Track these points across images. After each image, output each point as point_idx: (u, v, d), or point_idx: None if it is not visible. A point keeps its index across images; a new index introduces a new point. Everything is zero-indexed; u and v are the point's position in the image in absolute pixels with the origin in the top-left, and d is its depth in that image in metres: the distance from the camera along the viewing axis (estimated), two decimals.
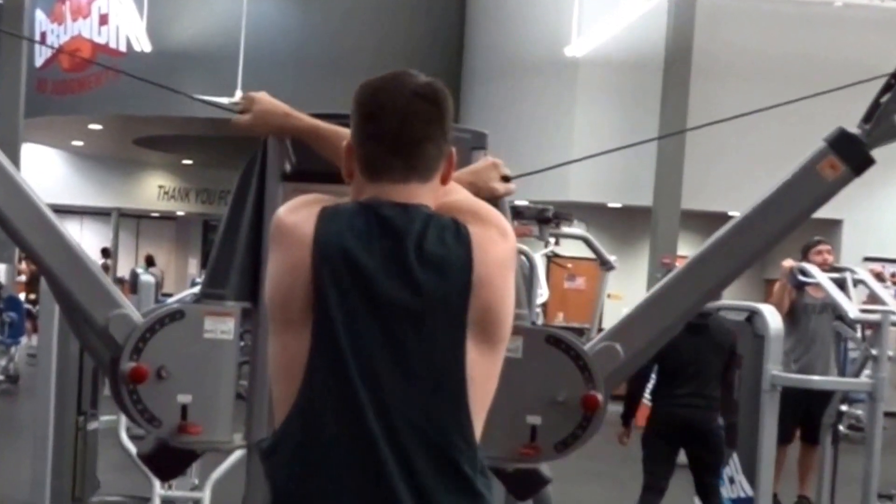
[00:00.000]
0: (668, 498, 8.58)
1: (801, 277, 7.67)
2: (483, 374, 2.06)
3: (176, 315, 3.05)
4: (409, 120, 2.08)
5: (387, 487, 1.98)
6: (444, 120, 2.12)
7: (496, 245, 2.07)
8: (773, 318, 6.69)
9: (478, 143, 3.23)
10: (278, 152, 3.10)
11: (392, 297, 2.01)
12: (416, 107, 2.09)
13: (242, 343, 3.47)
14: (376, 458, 1.98)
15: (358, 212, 2.07)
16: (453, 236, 2.05)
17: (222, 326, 3.11)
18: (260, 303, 3.09)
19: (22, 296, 16.44)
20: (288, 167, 3.06)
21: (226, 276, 3.13)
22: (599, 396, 3.01)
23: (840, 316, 7.17)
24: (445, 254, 2.02)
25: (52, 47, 19.88)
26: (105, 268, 20.04)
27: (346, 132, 2.24)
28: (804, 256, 8.12)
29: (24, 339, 14.57)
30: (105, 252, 23.64)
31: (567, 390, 3.01)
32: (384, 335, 2.01)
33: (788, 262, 7.87)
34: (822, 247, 8.20)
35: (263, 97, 2.89)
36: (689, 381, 6.46)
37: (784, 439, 7.36)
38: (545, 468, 3.21)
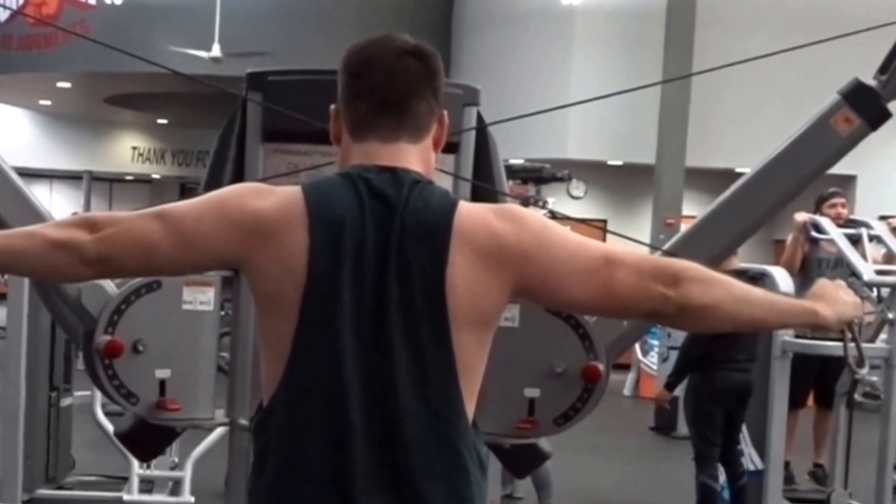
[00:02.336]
0: (671, 470, 8.66)
1: (814, 233, 7.67)
2: (474, 356, 2.06)
3: (153, 285, 3.04)
4: (397, 76, 2.09)
5: (361, 477, 1.99)
6: (433, 78, 2.13)
7: (485, 223, 2.04)
8: (783, 280, 6.70)
9: (470, 98, 3.22)
10: (260, 112, 3.08)
11: (379, 270, 2.01)
12: (404, 64, 2.10)
13: (223, 313, 3.47)
14: (355, 444, 1.99)
15: (344, 181, 2.06)
16: (438, 204, 2.04)
17: (202, 297, 3.11)
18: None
19: None
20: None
21: None
22: (601, 367, 3.02)
23: (855, 273, 7.17)
24: (425, 221, 2.02)
25: (10, 8, 19.72)
26: None
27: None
28: (817, 209, 8.11)
29: None
30: None
31: (567, 361, 3.01)
32: (372, 312, 2.01)
33: (802, 216, 7.86)
34: (836, 199, 8.18)
35: None
36: (745, 346, 6.63)
37: (796, 404, 7.38)
38: (544, 443, 3.21)
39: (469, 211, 2.05)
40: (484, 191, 3.24)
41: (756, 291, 2.12)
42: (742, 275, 6.52)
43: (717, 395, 6.69)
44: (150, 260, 2.07)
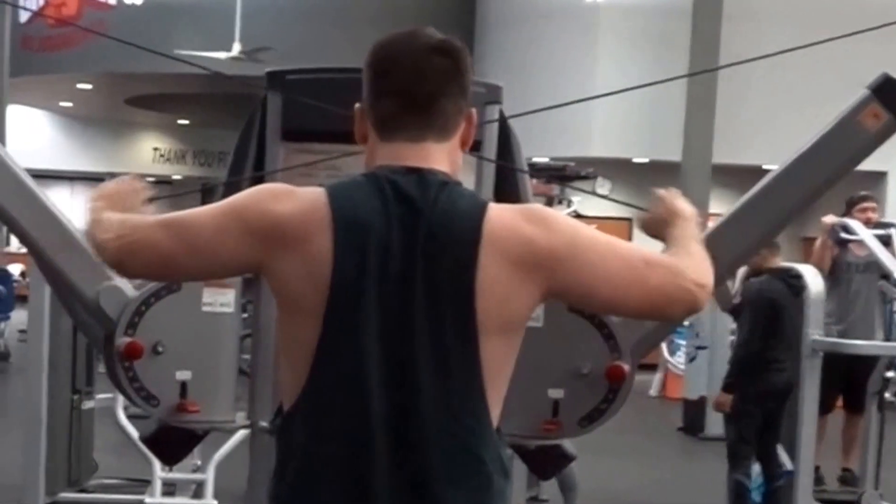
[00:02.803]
0: (700, 471, 8.63)
1: (843, 234, 7.62)
2: (500, 359, 2.04)
3: (172, 287, 3.04)
4: (424, 74, 2.06)
5: (382, 484, 1.98)
6: (461, 76, 2.10)
7: (515, 228, 2.02)
8: (813, 278, 6.67)
9: (492, 97, 3.21)
10: (280, 111, 3.08)
11: (404, 276, 1.99)
12: (431, 61, 2.07)
13: (245, 314, 3.47)
14: (377, 450, 1.98)
15: (370, 183, 2.03)
16: (466, 207, 2.02)
17: (222, 298, 3.11)
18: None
19: (18, 268, 16.47)
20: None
21: None
22: (626, 367, 3.00)
23: (885, 275, 7.13)
24: (453, 226, 2.00)
25: (30, 10, 19.82)
26: None
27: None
28: (847, 212, 8.04)
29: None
30: None
31: (591, 361, 3.00)
32: (396, 320, 1.99)
33: (830, 218, 7.81)
34: (866, 204, 8.12)
35: None
36: (789, 346, 6.63)
37: (825, 409, 7.35)
38: (569, 445, 3.20)
39: (498, 214, 2.03)
40: (507, 190, 3.23)
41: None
42: (785, 274, 6.57)
43: (762, 396, 6.66)
44: (167, 270, 2.13)
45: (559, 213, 2.14)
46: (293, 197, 2.03)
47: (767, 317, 6.55)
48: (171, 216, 2.09)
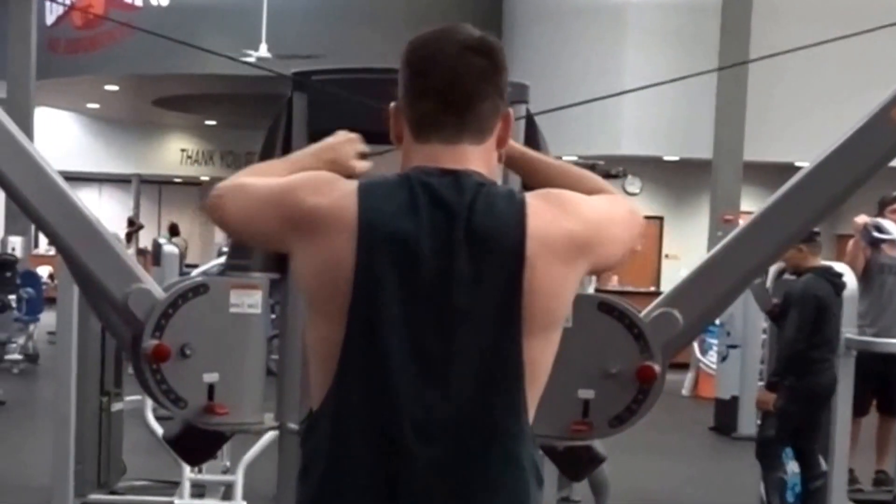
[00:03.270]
0: (732, 471, 8.60)
1: (876, 234, 7.56)
2: (538, 359, 2.04)
3: (199, 289, 3.05)
4: (461, 75, 2.05)
5: (413, 490, 1.98)
6: (498, 76, 2.10)
7: (555, 223, 2.03)
8: (847, 277, 6.64)
9: (518, 95, 3.20)
10: (305, 110, 3.09)
11: (440, 281, 1.98)
12: (468, 61, 2.06)
13: (273, 315, 3.48)
14: (407, 453, 1.98)
15: (403, 185, 2.03)
16: (505, 207, 2.01)
17: (249, 300, 3.12)
18: (289, 273, 3.09)
19: (47, 270, 16.57)
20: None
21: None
22: (656, 367, 2.99)
23: None
24: (495, 227, 1.99)
25: (62, 3, 19.93)
26: (130, 238, 20.08)
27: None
28: (880, 212, 7.99)
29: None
30: (131, 222, 23.32)
31: (621, 361, 2.99)
32: (428, 323, 1.99)
33: (862, 218, 7.75)
34: None
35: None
36: (832, 346, 6.63)
37: (859, 411, 7.31)
38: (599, 445, 3.19)
39: (536, 211, 2.02)
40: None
41: None
42: (827, 272, 6.54)
43: (806, 396, 6.63)
44: (227, 229, 2.31)
45: (573, 194, 2.13)
46: (332, 190, 2.04)
47: (813, 316, 6.51)
48: (242, 180, 2.18)
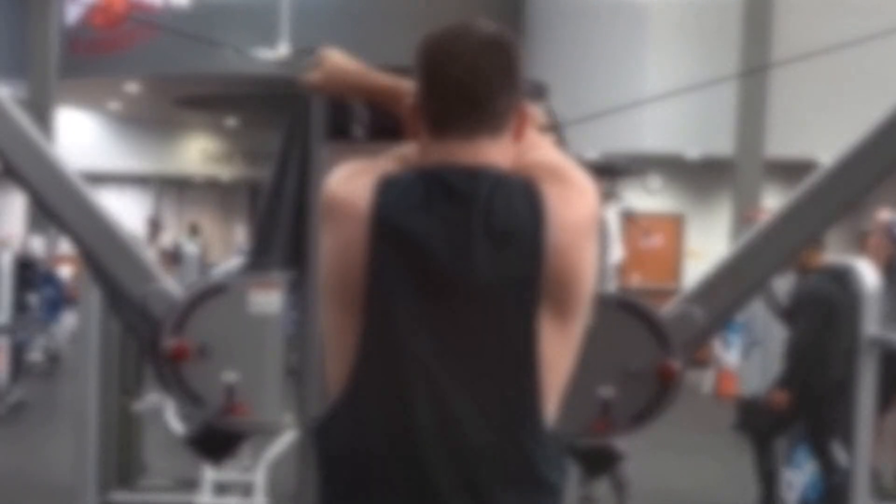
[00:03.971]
0: (737, 465, 8.56)
1: None
2: (558, 353, 2.04)
3: (218, 289, 3.06)
4: (477, 71, 2.06)
5: (431, 484, 1.99)
6: (514, 71, 2.10)
7: (574, 207, 2.04)
8: (869, 273, 6.60)
9: (537, 94, 3.20)
10: (323, 110, 3.09)
11: (456, 275, 1.98)
12: (484, 56, 2.06)
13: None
14: (423, 452, 1.98)
15: (419, 181, 2.04)
16: (524, 200, 2.02)
17: (268, 299, 3.12)
18: (308, 272, 3.09)
19: (68, 270, 16.63)
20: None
21: (270, 244, 3.14)
22: (676, 365, 2.98)
23: None
24: (515, 221, 2.00)
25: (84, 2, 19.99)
26: (153, 239, 20.09)
27: None
28: None
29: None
30: (153, 223, 23.24)
31: (641, 359, 2.98)
32: (445, 317, 1.99)
33: (885, 214, 7.72)
34: None
35: (335, 53, 2.72)
36: (843, 346, 6.51)
37: (881, 407, 7.26)
38: (620, 443, 3.19)
39: (553, 199, 2.03)
40: None
41: None
42: (833, 271, 6.51)
43: (816, 395, 6.62)
44: None
45: (566, 166, 2.14)
46: (358, 180, 2.06)
47: (823, 315, 6.49)
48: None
